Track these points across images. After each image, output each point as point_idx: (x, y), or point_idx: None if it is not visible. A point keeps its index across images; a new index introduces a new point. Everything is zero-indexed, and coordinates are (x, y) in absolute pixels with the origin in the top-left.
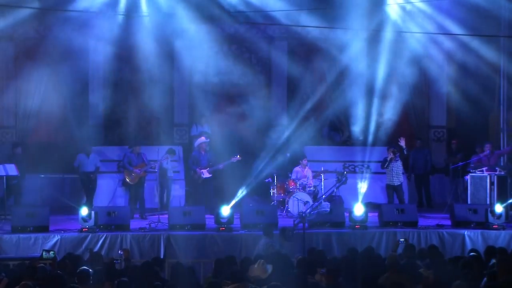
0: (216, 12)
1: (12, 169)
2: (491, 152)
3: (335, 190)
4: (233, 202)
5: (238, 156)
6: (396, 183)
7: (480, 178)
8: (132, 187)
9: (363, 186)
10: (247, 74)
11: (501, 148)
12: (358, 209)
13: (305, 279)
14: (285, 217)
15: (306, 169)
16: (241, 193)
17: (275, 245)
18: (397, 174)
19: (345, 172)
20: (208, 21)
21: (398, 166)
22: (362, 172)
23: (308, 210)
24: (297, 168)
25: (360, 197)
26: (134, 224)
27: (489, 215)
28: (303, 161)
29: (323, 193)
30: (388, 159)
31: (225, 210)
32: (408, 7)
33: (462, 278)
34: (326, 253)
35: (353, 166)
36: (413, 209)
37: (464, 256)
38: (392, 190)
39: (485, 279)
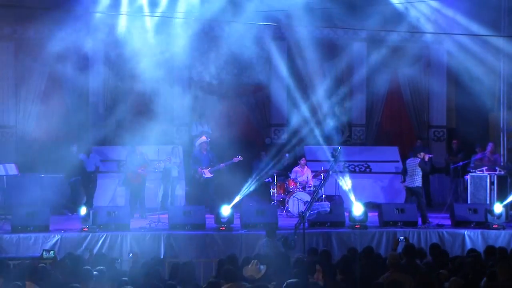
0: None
1: (12, 169)
2: (492, 151)
3: (330, 172)
4: (234, 202)
5: (239, 156)
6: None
7: (480, 178)
8: (133, 186)
9: (347, 184)
10: (247, 74)
11: (501, 148)
12: (357, 209)
13: (305, 279)
14: (285, 217)
15: (305, 169)
16: (243, 193)
17: (277, 245)
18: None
19: (339, 148)
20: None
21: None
22: (357, 172)
23: (307, 206)
24: (296, 168)
25: (351, 196)
26: (134, 223)
27: (489, 214)
28: (301, 160)
29: (323, 193)
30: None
31: (226, 210)
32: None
33: (462, 277)
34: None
35: (353, 166)
36: (413, 208)
37: (463, 255)
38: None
39: (484, 278)
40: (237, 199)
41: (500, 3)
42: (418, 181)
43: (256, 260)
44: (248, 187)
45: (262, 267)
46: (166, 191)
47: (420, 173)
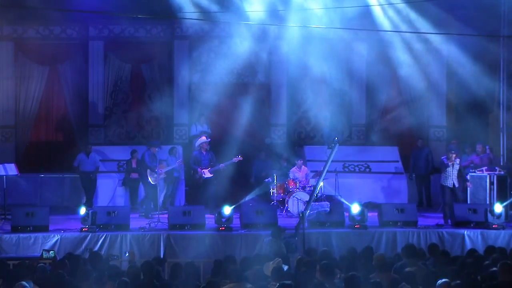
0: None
1: (12, 169)
2: (482, 152)
3: (328, 164)
4: (237, 204)
5: (239, 156)
6: (456, 185)
7: (479, 178)
8: (150, 186)
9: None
10: (246, 74)
11: (501, 147)
12: (354, 208)
13: (306, 279)
14: (285, 217)
15: (302, 169)
16: (248, 197)
17: (280, 246)
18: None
19: (336, 139)
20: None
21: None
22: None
23: (307, 206)
24: (293, 169)
25: (341, 199)
26: (134, 224)
27: (489, 214)
28: (298, 161)
29: (323, 193)
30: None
31: (227, 210)
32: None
33: (463, 277)
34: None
35: (353, 166)
36: (413, 208)
37: (463, 255)
38: (449, 190)
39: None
40: (240, 201)
41: (500, 3)
42: (442, 179)
43: (280, 259)
44: (256, 192)
45: (285, 267)
46: (167, 191)
47: (446, 172)
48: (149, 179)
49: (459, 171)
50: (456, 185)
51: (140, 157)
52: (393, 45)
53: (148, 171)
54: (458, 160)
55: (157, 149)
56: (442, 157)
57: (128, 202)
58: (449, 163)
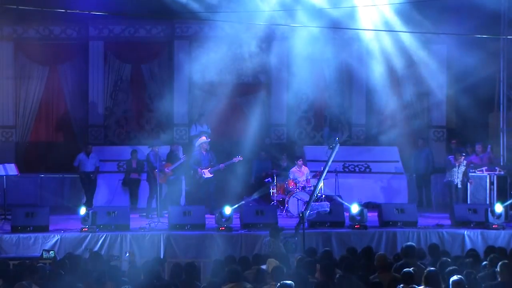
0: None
1: (12, 169)
2: (482, 152)
3: (329, 163)
4: (238, 204)
5: (239, 156)
6: (460, 185)
7: (480, 178)
8: (157, 186)
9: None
10: (246, 74)
11: (501, 147)
12: (354, 208)
13: (306, 279)
14: (285, 217)
15: (302, 169)
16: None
17: (279, 246)
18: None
19: (337, 139)
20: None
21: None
22: (362, 172)
23: (306, 206)
24: (293, 169)
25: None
26: (134, 224)
27: (489, 215)
28: (298, 161)
29: (322, 193)
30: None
31: (228, 210)
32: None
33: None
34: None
35: (353, 166)
36: (413, 209)
37: (463, 255)
38: (454, 189)
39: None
40: (241, 202)
41: (500, 2)
42: (446, 176)
43: (279, 259)
44: (256, 194)
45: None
46: (168, 192)
47: (451, 171)
48: (157, 178)
49: (464, 172)
50: (460, 186)
51: (145, 157)
52: (393, 46)
53: (156, 170)
54: (464, 162)
55: (157, 149)
56: (450, 156)
57: (128, 202)
58: (456, 164)
